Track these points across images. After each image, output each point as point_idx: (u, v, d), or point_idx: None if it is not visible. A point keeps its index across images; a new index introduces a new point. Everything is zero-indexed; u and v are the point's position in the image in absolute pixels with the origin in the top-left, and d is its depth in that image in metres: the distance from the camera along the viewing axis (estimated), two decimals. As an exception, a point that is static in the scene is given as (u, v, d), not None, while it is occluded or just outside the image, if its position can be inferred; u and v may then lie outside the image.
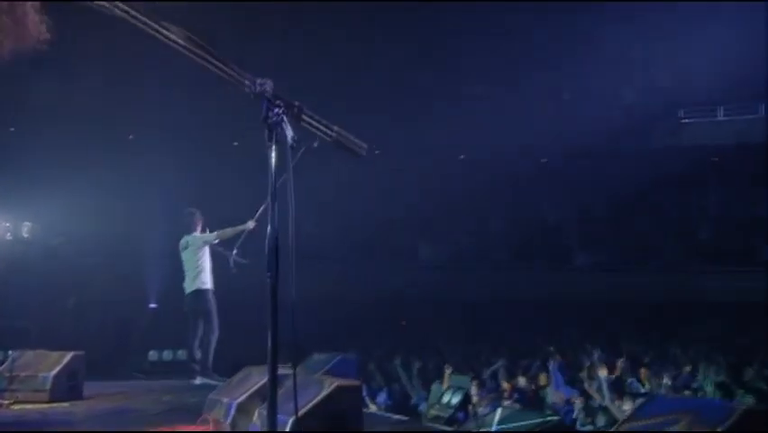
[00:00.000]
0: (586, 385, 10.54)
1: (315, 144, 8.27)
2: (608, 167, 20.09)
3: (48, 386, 8.12)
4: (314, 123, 2.20)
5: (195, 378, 9.45)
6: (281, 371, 6.12)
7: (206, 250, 9.52)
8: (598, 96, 20.63)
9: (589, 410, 9.23)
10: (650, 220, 20.51)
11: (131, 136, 16.41)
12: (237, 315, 10.10)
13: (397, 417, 7.01)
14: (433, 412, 6.56)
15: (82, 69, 13.35)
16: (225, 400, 5.96)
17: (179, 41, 2.11)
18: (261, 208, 9.08)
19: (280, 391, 5.57)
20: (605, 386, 10.17)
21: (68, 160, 12.65)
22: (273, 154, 2.16)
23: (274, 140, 2.13)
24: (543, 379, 11.97)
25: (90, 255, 12.08)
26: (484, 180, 20.54)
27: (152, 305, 10.84)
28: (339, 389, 5.03)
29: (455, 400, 6.35)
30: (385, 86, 20.65)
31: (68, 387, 8.34)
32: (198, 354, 9.55)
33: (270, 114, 2.12)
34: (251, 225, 9.15)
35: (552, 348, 12.86)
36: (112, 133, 14.11)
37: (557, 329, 17.24)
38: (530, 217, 20.99)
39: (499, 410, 7.05)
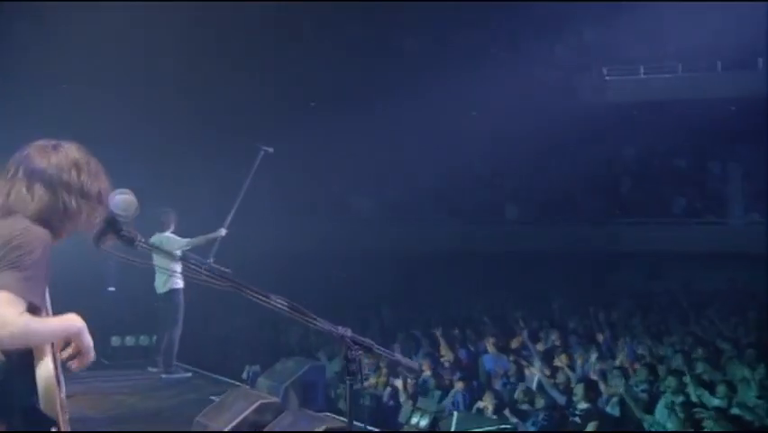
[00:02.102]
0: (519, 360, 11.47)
1: (271, 150, 8.82)
2: (537, 121, 20.82)
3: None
4: (381, 353, 2.82)
5: (158, 367, 10.00)
6: (266, 399, 6.80)
7: (178, 252, 9.90)
8: (526, 52, 21.33)
9: (528, 392, 10.09)
10: (574, 173, 21.50)
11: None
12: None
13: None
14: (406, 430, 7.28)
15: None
16: (214, 426, 6.55)
17: (284, 307, 2.68)
18: (231, 215, 9.57)
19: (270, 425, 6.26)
20: (537, 362, 11.13)
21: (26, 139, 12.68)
22: (349, 384, 2.79)
23: (350, 373, 2.75)
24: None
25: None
26: (413, 134, 21.10)
27: (110, 288, 11.16)
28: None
29: (423, 422, 7.03)
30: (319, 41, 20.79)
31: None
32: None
33: (350, 353, 2.73)
34: (222, 232, 9.56)
35: (486, 319, 13.60)
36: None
37: (488, 285, 18.23)
38: (460, 171, 21.68)
39: (456, 414, 7.86)
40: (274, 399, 6.72)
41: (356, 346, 2.72)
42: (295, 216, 20.77)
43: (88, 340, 2.95)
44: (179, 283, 9.81)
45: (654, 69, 21.28)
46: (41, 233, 2.73)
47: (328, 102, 21.24)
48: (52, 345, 2.96)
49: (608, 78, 21.67)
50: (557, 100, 21.16)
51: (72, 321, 2.88)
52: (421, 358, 11.88)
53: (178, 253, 9.88)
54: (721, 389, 9.74)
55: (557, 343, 12.99)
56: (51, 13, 13.21)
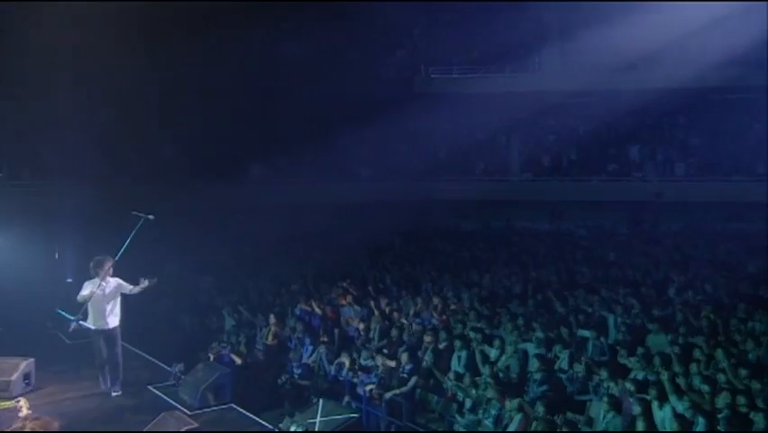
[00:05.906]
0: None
1: (151, 217, 8.29)
2: (382, 106, 20.61)
3: (10, 387, 8.68)
4: None
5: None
6: (191, 426, 6.95)
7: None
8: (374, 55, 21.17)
9: (371, 352, 10.53)
10: (406, 140, 21.76)
11: None
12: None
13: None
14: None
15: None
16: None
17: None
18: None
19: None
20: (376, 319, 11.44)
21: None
22: None
23: None
24: (342, 299, 12.98)
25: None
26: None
27: (69, 279, 10.76)
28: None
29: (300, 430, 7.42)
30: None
31: (23, 385, 8.89)
32: None
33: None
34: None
35: (346, 283, 13.57)
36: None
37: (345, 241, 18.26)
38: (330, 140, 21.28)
39: (322, 402, 8.24)
40: (197, 426, 6.95)
41: None
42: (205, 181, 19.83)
43: None
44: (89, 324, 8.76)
45: (463, 71, 21.67)
46: None
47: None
48: None
49: (432, 75, 21.93)
50: (397, 91, 21.21)
51: None
52: (294, 321, 11.90)
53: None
54: (496, 342, 10.12)
55: (394, 293, 13.28)
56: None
